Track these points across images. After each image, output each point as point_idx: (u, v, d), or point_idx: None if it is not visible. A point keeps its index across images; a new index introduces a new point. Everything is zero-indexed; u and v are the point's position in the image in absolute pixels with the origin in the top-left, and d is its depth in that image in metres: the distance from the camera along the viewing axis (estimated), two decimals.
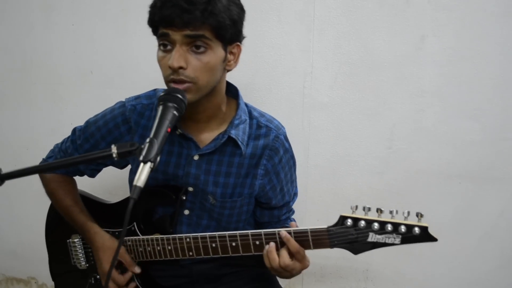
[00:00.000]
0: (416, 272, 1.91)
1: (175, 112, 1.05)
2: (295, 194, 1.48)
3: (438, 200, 1.82)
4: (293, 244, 1.14)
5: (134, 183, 0.89)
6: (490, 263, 1.84)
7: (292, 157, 1.40)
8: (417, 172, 1.82)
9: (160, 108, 1.06)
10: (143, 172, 0.91)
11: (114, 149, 0.94)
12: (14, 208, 2.28)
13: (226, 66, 1.21)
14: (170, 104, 1.06)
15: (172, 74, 1.12)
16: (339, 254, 1.96)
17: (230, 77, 1.86)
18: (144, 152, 0.94)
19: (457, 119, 1.75)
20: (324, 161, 1.88)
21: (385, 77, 1.78)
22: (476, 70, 1.70)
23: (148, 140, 0.96)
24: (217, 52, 1.14)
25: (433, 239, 1.06)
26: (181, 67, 1.10)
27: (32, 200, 2.17)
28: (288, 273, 1.17)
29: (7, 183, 0.97)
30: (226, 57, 1.18)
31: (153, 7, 1.13)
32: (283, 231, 1.15)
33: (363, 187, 1.87)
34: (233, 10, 1.13)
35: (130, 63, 2.00)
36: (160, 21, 1.11)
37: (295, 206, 1.52)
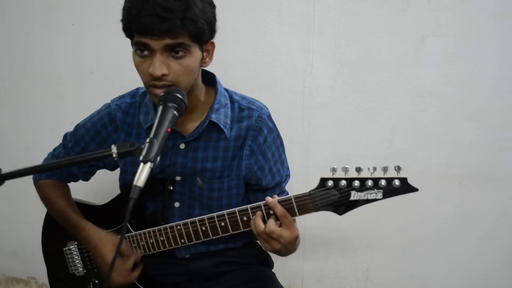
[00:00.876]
0: (416, 272, 1.91)
1: (175, 112, 1.06)
2: (287, 176, 1.47)
3: (438, 200, 1.82)
4: (279, 208, 1.15)
5: (134, 183, 0.89)
6: (490, 263, 1.84)
7: (278, 137, 1.39)
8: (417, 172, 1.82)
9: (160, 108, 1.06)
10: (143, 172, 0.91)
11: (114, 149, 0.94)
12: (14, 208, 2.28)
13: (203, 64, 1.22)
14: (170, 104, 1.06)
15: (153, 80, 1.13)
16: (339, 254, 1.97)
17: (232, 76, 1.87)
18: (144, 152, 0.94)
19: (457, 119, 1.75)
20: (324, 161, 1.88)
21: (385, 77, 1.78)
22: (476, 70, 1.71)
23: (148, 140, 0.96)
24: (195, 55, 1.15)
25: (413, 189, 1.09)
26: (163, 74, 1.11)
27: (32, 200, 2.16)
28: (277, 242, 1.16)
29: (7, 183, 0.97)
30: (203, 56, 1.20)
31: (127, 14, 1.11)
32: (268, 198, 1.17)
33: None
34: (208, 12, 1.13)
35: (130, 63, 1.98)
36: (137, 30, 1.10)
37: None
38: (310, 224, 1.87)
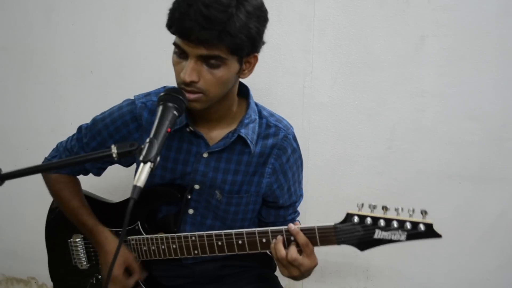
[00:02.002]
0: (416, 272, 1.91)
1: (175, 112, 1.06)
2: (301, 196, 1.48)
3: (438, 200, 1.82)
4: (302, 236, 1.13)
5: (134, 183, 0.89)
6: (490, 263, 1.84)
7: (300, 157, 1.40)
8: (417, 172, 1.82)
9: (160, 108, 1.06)
10: (143, 172, 0.91)
11: (114, 149, 0.94)
12: (14, 208, 2.28)
13: (241, 75, 1.19)
14: (170, 104, 1.06)
15: (183, 84, 1.11)
16: (339, 254, 1.97)
17: None
18: (144, 152, 0.94)
19: (457, 119, 1.75)
20: (324, 161, 1.88)
21: (385, 77, 1.78)
22: (476, 70, 1.70)
23: (148, 140, 0.96)
24: (231, 67, 1.13)
25: (437, 235, 1.08)
26: (192, 81, 1.10)
27: (32, 200, 2.17)
28: (297, 270, 1.15)
29: (7, 183, 0.97)
30: (241, 68, 1.17)
31: (172, 14, 1.09)
32: (291, 225, 1.15)
33: (363, 187, 1.87)
34: (252, 27, 1.10)
35: (130, 63, 2.00)
36: (176, 32, 1.09)
37: None
38: (309, 224, 1.86)
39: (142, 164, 0.92)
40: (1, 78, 2.17)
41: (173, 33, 1.11)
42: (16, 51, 2.12)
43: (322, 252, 1.96)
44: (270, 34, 1.83)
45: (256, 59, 1.20)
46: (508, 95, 1.71)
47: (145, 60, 1.96)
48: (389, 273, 1.94)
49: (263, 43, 1.21)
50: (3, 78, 2.17)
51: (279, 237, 1.16)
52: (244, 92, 1.33)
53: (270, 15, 1.82)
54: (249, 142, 1.27)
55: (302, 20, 1.80)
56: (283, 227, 1.17)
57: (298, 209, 1.50)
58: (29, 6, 2.06)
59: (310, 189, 1.89)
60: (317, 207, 1.90)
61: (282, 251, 1.14)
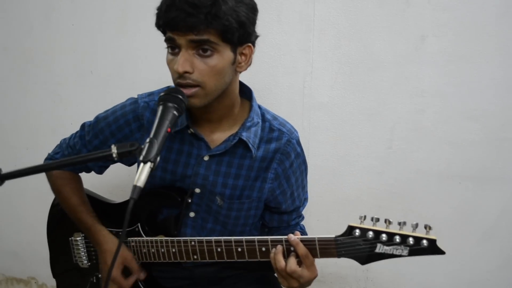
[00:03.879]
0: (416, 272, 1.91)
1: (175, 112, 1.05)
2: (306, 199, 1.46)
3: (438, 200, 1.82)
4: (302, 247, 1.12)
5: (134, 183, 0.88)
6: (490, 263, 1.84)
7: (304, 162, 1.37)
8: (417, 172, 1.82)
9: (160, 108, 1.05)
10: (143, 172, 0.90)
11: (114, 149, 0.94)
12: (14, 208, 2.28)
13: (237, 67, 1.18)
14: (170, 104, 1.05)
15: (178, 78, 1.11)
16: None
17: None
18: (144, 152, 0.94)
19: (457, 119, 1.75)
20: (324, 161, 1.88)
21: (385, 77, 1.78)
22: (476, 70, 1.70)
23: (148, 140, 0.96)
24: (224, 55, 1.12)
25: (440, 252, 1.07)
26: (186, 72, 1.09)
27: (32, 200, 2.17)
28: (296, 281, 1.14)
29: (7, 183, 0.97)
30: (236, 59, 1.16)
31: (159, 10, 1.11)
32: (291, 235, 1.13)
33: (363, 187, 1.87)
34: (240, 12, 1.10)
35: (130, 63, 2.00)
36: (165, 25, 1.10)
37: None
38: (310, 224, 1.86)
39: (142, 164, 0.92)
40: (1, 78, 2.17)
41: (162, 27, 1.12)
42: (16, 51, 2.12)
43: None
44: (270, 34, 1.85)
45: (251, 50, 1.19)
46: (508, 95, 1.71)
47: (145, 60, 1.96)
48: (389, 273, 1.94)
49: (256, 36, 1.20)
50: (3, 78, 2.17)
51: (279, 247, 1.15)
52: (247, 94, 1.32)
53: (270, 15, 1.84)
54: (250, 146, 1.25)
55: (302, 20, 1.80)
56: (283, 237, 1.15)
57: (303, 212, 1.49)
58: (29, 6, 2.06)
59: (310, 189, 1.88)
60: (317, 207, 1.90)
61: (281, 262, 1.13)
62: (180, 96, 1.08)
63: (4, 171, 0.96)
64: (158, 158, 0.94)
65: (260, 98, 1.86)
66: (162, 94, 1.08)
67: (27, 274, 2.36)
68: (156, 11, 1.12)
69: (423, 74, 1.75)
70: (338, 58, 1.80)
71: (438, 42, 1.71)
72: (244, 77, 1.86)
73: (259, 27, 1.83)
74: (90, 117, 1.42)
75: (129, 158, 1.38)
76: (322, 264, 2.00)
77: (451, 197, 1.81)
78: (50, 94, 2.11)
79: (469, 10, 1.67)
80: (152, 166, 0.92)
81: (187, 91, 1.11)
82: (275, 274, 1.20)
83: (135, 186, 0.88)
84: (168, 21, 1.08)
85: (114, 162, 1.38)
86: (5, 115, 2.20)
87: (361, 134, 1.84)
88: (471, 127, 1.75)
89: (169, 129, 1.01)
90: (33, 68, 2.11)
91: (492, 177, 1.77)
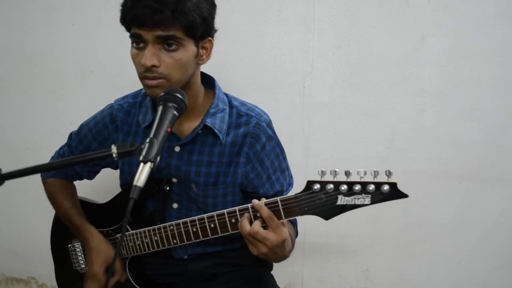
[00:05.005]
0: (416, 272, 1.91)
1: (175, 112, 1.06)
2: (290, 185, 1.45)
3: (438, 200, 1.83)
4: (265, 210, 1.13)
5: (134, 183, 0.89)
6: (490, 263, 1.84)
7: (278, 145, 1.38)
8: (417, 172, 1.82)
9: (160, 108, 1.06)
10: (143, 172, 0.91)
11: (114, 149, 0.94)
12: (14, 208, 2.28)
13: (199, 61, 1.23)
14: (170, 104, 1.06)
15: (145, 72, 1.15)
16: (339, 254, 1.97)
17: (232, 76, 1.87)
18: (144, 152, 0.94)
19: (457, 119, 1.75)
20: (324, 161, 1.88)
21: (385, 77, 1.78)
22: (476, 70, 1.70)
23: (148, 140, 0.96)
24: (188, 49, 1.16)
25: (403, 195, 1.05)
26: (154, 66, 1.14)
27: (32, 200, 2.17)
28: (263, 245, 1.12)
29: (7, 183, 0.97)
30: (198, 53, 1.20)
31: (124, 6, 1.16)
32: (255, 200, 1.15)
33: None
34: (203, 8, 1.15)
35: (130, 63, 1.98)
36: (131, 21, 1.14)
37: None
38: (310, 224, 1.87)
39: (142, 164, 0.92)
40: (1, 78, 2.17)
41: (128, 23, 1.16)
42: (16, 51, 2.12)
43: (322, 252, 1.96)
44: (270, 34, 1.85)
45: (211, 43, 1.24)
46: (508, 95, 1.71)
47: None
48: (389, 273, 1.94)
49: (215, 30, 1.25)
50: (3, 78, 2.17)
51: (246, 215, 1.16)
52: (210, 83, 1.35)
53: (270, 15, 1.84)
54: (216, 131, 1.28)
55: (302, 20, 1.80)
56: (249, 204, 1.16)
57: None
58: (29, 6, 2.06)
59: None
60: None
61: (246, 226, 1.13)
62: (180, 96, 1.08)
63: (4, 171, 0.96)
64: (158, 158, 0.95)
65: (260, 98, 1.86)
66: (162, 94, 1.09)
67: (27, 274, 2.36)
68: (120, 7, 1.17)
69: (423, 74, 1.75)
70: (338, 58, 1.80)
71: (438, 42, 1.71)
72: (244, 77, 1.87)
73: (259, 27, 1.84)
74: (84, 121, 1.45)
75: (113, 161, 1.42)
76: (322, 264, 2.01)
77: (451, 197, 1.82)
78: (50, 94, 2.11)
79: (469, 10, 1.67)
80: (152, 166, 0.92)
81: (151, 82, 1.16)
82: (273, 265, 1.17)
83: (135, 186, 0.88)
84: (135, 18, 1.12)
85: (102, 166, 1.50)
86: (5, 115, 2.20)
87: (361, 134, 1.84)
88: (471, 127, 1.75)
89: (169, 129, 1.02)
90: (33, 68, 2.11)
91: (492, 177, 1.77)
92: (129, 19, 1.14)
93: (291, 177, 1.46)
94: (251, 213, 1.16)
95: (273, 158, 1.36)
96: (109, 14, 1.98)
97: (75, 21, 2.03)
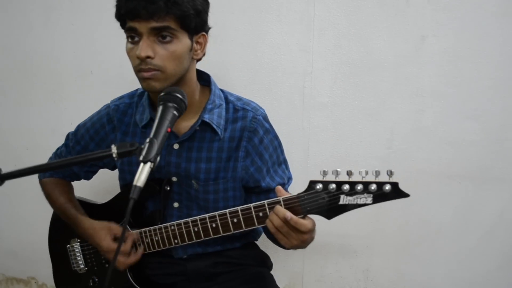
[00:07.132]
0: (416, 272, 1.91)
1: (175, 112, 1.06)
2: (290, 178, 1.46)
3: (438, 200, 1.82)
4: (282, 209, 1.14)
5: (134, 183, 0.89)
6: (490, 263, 1.84)
7: (275, 138, 1.39)
8: (417, 172, 1.82)
9: (160, 108, 1.06)
10: (143, 172, 0.91)
11: (114, 149, 0.95)
12: (14, 208, 2.28)
13: (193, 55, 1.24)
14: (170, 104, 1.07)
15: (140, 64, 1.16)
16: (339, 254, 1.97)
17: (232, 76, 1.87)
18: (144, 152, 0.94)
19: (457, 119, 1.75)
20: (324, 161, 1.88)
21: (385, 77, 1.78)
22: (476, 70, 1.70)
23: (148, 140, 0.97)
24: (183, 41, 1.18)
25: (404, 195, 1.07)
26: (148, 57, 1.15)
27: (32, 200, 2.17)
28: (300, 234, 1.14)
29: (7, 183, 0.97)
30: (193, 47, 1.22)
31: (119, 1, 1.18)
32: (260, 202, 1.16)
33: None
34: (196, 1, 1.17)
35: (130, 63, 1.99)
36: (126, 14, 1.15)
37: None
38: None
39: (142, 164, 0.93)
40: (1, 78, 2.17)
41: (123, 17, 1.18)
42: (16, 51, 2.12)
43: (322, 252, 1.96)
44: (270, 34, 1.85)
45: (205, 39, 1.26)
46: (508, 95, 1.71)
47: None
48: (389, 273, 1.94)
49: (209, 27, 1.27)
50: (3, 78, 2.17)
51: (273, 210, 1.15)
52: (206, 80, 1.36)
53: (270, 15, 1.84)
54: (214, 126, 1.29)
55: (302, 20, 1.80)
56: (252, 204, 1.17)
57: None
58: (29, 6, 2.06)
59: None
60: None
61: (284, 214, 1.11)
62: (180, 96, 1.08)
63: (4, 171, 0.96)
64: (158, 158, 0.95)
65: (260, 98, 1.86)
66: (162, 94, 1.09)
67: (27, 274, 2.36)
68: (115, 3, 1.19)
69: (423, 74, 1.75)
70: (338, 58, 1.80)
71: (438, 42, 1.71)
72: (244, 77, 1.87)
73: (259, 27, 1.84)
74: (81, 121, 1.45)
75: (110, 161, 1.46)
76: (322, 264, 2.01)
77: (451, 197, 1.82)
78: (50, 94, 2.11)
79: (469, 10, 1.67)
80: (152, 166, 0.93)
81: (146, 74, 1.17)
82: (256, 242, 1.22)
83: (135, 186, 0.89)
84: (129, 10, 1.14)
85: (99, 167, 1.51)
86: (5, 115, 2.20)
87: (361, 134, 1.84)
88: (471, 127, 1.75)
89: (169, 129, 1.02)
90: (33, 68, 2.11)
91: (492, 177, 1.77)
92: (123, 12, 1.16)
93: (289, 171, 1.47)
94: (253, 214, 1.17)
95: (271, 151, 1.37)
96: (109, 14, 1.97)
97: (75, 21, 2.03)
